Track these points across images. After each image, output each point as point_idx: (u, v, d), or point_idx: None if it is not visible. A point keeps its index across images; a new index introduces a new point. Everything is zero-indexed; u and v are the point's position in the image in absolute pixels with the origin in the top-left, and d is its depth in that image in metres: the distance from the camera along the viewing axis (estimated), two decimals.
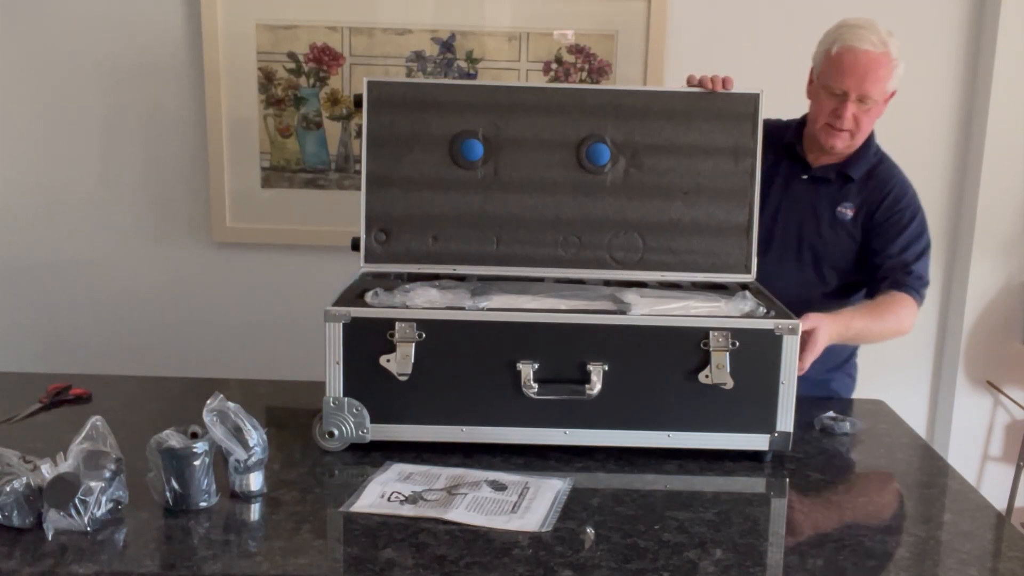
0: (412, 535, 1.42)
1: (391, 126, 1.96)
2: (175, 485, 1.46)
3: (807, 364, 1.77)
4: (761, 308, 1.77)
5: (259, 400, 2.02)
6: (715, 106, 1.98)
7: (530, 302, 1.78)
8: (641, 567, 1.35)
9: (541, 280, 1.95)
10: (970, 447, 2.98)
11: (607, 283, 1.96)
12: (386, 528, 1.44)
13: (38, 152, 2.85)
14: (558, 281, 1.96)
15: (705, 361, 1.69)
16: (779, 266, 2.13)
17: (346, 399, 1.70)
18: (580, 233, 1.97)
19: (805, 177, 2.18)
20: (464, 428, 1.71)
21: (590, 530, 1.46)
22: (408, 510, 1.49)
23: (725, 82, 1.98)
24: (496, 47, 2.77)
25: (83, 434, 1.46)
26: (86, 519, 1.39)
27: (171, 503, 1.47)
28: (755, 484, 1.68)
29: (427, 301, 1.76)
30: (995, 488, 2.93)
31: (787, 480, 1.69)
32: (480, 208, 1.97)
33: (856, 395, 2.26)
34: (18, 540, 1.37)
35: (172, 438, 1.47)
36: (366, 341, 1.68)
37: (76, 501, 1.38)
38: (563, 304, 1.78)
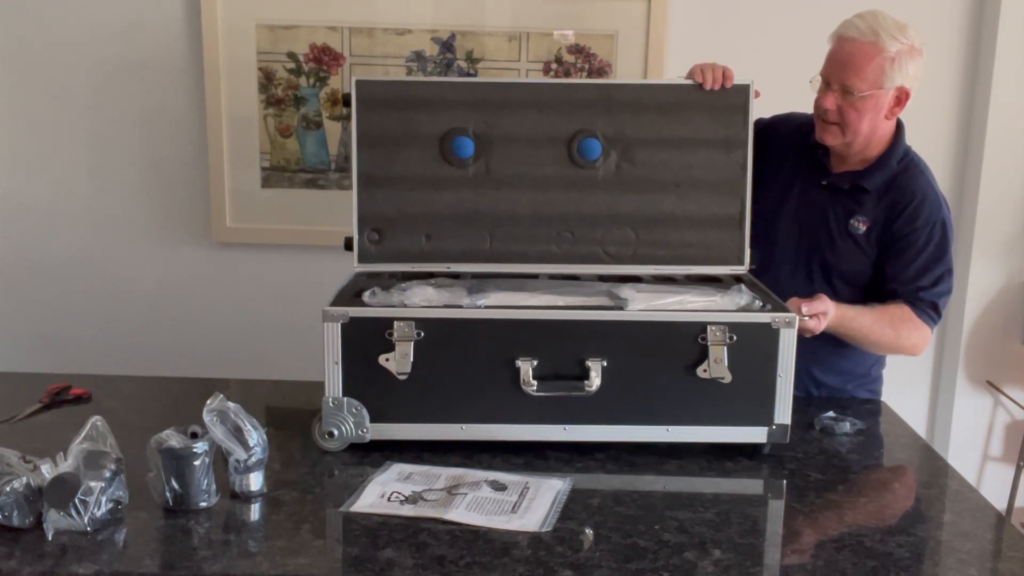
0: (412, 535, 1.42)
1: (381, 125, 1.95)
2: (175, 485, 1.46)
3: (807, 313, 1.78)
4: (757, 301, 1.77)
5: (259, 400, 2.02)
6: (706, 98, 1.96)
7: (528, 299, 1.78)
8: (641, 567, 1.35)
9: (535, 277, 1.95)
10: (970, 447, 2.98)
11: (601, 278, 1.95)
12: (386, 528, 1.44)
13: (38, 152, 2.85)
14: (552, 277, 1.95)
15: (703, 355, 1.69)
16: (791, 277, 2.07)
17: (345, 399, 1.70)
18: (573, 228, 1.97)
19: (824, 183, 2.08)
20: (464, 426, 1.72)
21: (589, 531, 1.46)
22: (408, 510, 1.49)
23: (725, 74, 1.94)
24: (496, 47, 2.77)
25: (83, 434, 1.46)
26: (86, 519, 1.39)
27: (171, 503, 1.47)
28: (755, 484, 1.69)
29: (425, 300, 1.76)
30: (995, 488, 2.93)
31: (787, 480, 1.69)
32: (473, 205, 1.96)
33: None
34: (18, 540, 1.37)
35: (172, 438, 1.47)
36: (365, 341, 1.68)
37: (76, 501, 1.38)
38: (560, 300, 1.78)
